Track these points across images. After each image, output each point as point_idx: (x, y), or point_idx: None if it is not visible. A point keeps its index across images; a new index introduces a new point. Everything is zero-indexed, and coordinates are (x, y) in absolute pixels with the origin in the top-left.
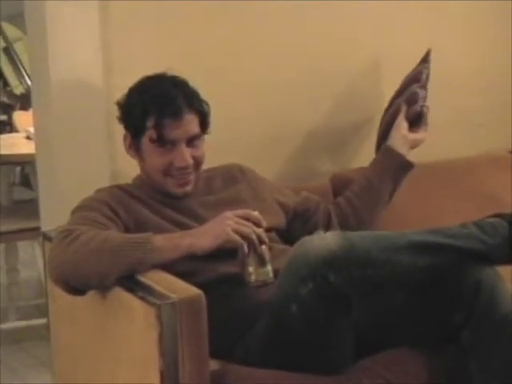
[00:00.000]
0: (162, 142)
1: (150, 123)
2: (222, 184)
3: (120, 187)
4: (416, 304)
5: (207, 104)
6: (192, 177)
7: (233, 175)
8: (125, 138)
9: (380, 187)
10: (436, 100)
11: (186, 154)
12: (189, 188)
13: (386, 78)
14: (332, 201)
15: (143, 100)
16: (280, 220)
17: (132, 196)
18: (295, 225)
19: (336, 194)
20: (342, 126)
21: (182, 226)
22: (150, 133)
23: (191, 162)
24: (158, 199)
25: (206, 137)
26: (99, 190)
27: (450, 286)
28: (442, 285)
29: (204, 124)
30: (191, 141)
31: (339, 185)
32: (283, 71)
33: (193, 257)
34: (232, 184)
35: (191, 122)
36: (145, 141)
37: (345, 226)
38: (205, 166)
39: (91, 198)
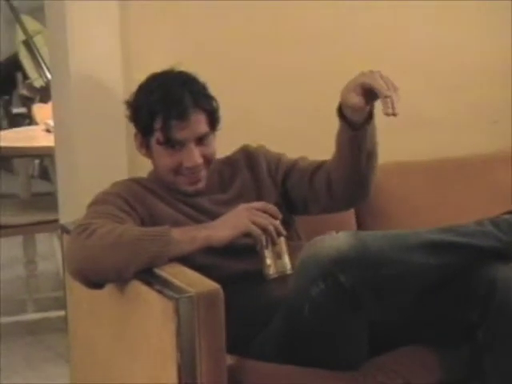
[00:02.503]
0: (169, 143)
1: (157, 125)
2: (231, 176)
3: (135, 181)
4: (430, 302)
5: (215, 101)
6: (203, 173)
7: (238, 164)
8: (135, 136)
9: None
10: (451, 97)
11: (194, 155)
12: (200, 185)
13: (401, 73)
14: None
15: (150, 101)
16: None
17: (147, 190)
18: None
19: None
20: None
21: (197, 221)
22: (158, 135)
23: (200, 161)
24: (172, 194)
25: (224, 131)
26: (115, 184)
27: (465, 284)
28: (457, 283)
29: (213, 122)
30: (200, 140)
31: None
32: (303, 63)
33: (211, 251)
34: (238, 174)
35: (199, 122)
36: (153, 141)
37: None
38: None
39: (107, 191)
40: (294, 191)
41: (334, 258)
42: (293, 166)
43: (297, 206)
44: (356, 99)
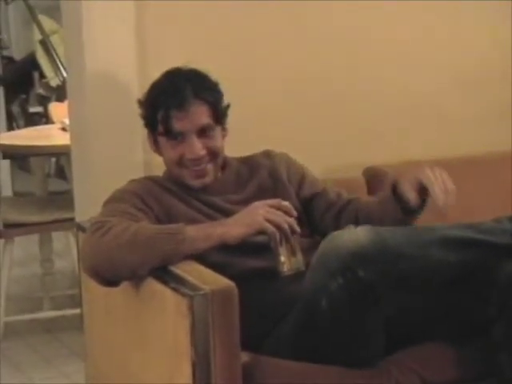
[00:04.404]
0: (170, 134)
1: (159, 117)
2: (248, 176)
3: (151, 179)
4: (447, 298)
5: (222, 95)
6: (209, 167)
7: (257, 164)
8: (148, 135)
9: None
10: (469, 95)
11: (195, 146)
12: (207, 179)
13: (420, 71)
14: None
15: (153, 95)
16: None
17: (163, 187)
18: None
19: (370, 187)
20: (376, 119)
21: (212, 219)
22: (160, 127)
23: (202, 153)
24: (187, 192)
25: (239, 127)
26: (131, 182)
27: (483, 280)
28: (474, 279)
29: (216, 114)
30: (203, 132)
31: (372, 178)
32: (319, 62)
33: (225, 249)
34: (255, 175)
35: (199, 113)
36: (159, 136)
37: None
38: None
39: (123, 189)
40: (317, 217)
41: (353, 252)
42: (320, 194)
43: (315, 227)
44: (411, 195)
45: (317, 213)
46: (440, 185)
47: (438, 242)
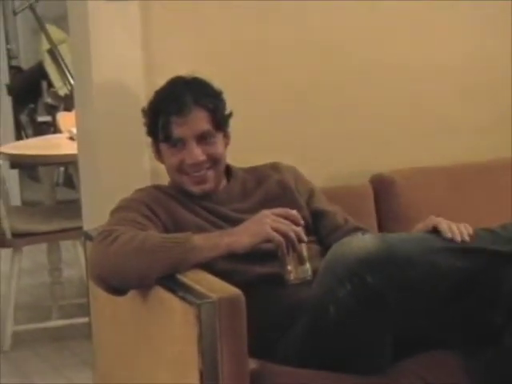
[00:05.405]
0: (170, 140)
1: (160, 123)
2: (255, 186)
3: (158, 187)
4: (455, 305)
5: (222, 102)
6: (210, 173)
7: (265, 174)
8: (151, 143)
9: None
10: (478, 101)
11: (195, 151)
12: (207, 186)
13: (425, 78)
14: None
15: (155, 102)
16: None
17: (170, 196)
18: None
19: (377, 194)
20: (383, 126)
21: (219, 228)
22: (160, 133)
23: (202, 158)
24: (194, 201)
25: (243, 136)
26: (138, 191)
27: (490, 287)
28: (482, 286)
29: (216, 121)
30: (203, 138)
31: (379, 185)
32: (324, 72)
33: (232, 257)
34: (262, 184)
35: (199, 119)
36: (160, 143)
37: None
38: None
39: (130, 198)
40: (321, 235)
41: (361, 258)
42: (330, 213)
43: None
44: (417, 227)
45: (323, 231)
46: (452, 227)
47: (446, 248)
